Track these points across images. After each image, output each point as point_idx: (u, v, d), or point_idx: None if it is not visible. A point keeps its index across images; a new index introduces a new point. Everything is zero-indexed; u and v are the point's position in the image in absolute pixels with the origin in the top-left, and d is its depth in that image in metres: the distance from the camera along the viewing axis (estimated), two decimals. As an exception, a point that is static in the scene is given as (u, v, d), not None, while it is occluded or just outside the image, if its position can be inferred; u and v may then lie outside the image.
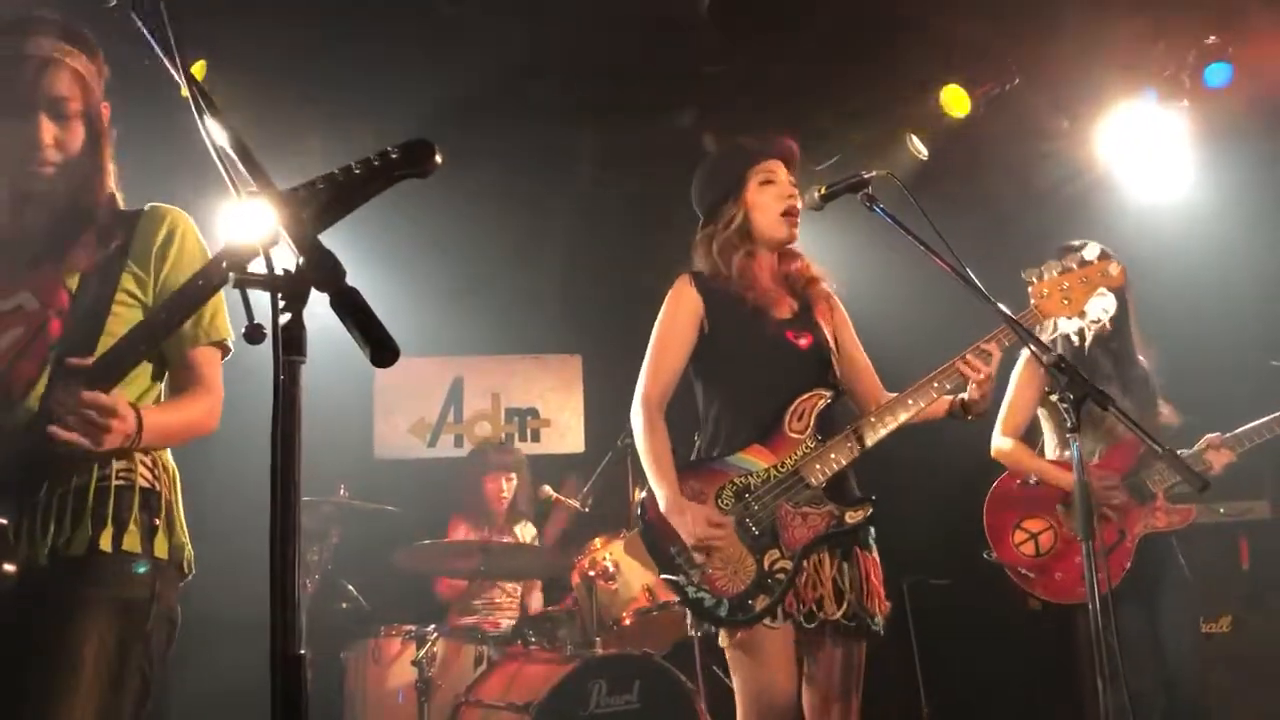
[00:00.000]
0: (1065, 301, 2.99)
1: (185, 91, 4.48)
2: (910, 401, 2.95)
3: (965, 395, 2.98)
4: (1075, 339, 4.06)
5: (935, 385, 2.95)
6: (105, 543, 2.06)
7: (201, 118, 1.44)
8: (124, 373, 2.06)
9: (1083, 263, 3.03)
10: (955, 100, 5.29)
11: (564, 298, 6.58)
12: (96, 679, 1.98)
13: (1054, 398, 2.61)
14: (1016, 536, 4.10)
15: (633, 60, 5.20)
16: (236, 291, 1.34)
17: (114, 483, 2.11)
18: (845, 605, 2.90)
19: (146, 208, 2.29)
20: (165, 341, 2.15)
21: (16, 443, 2.00)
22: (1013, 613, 4.86)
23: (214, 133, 1.44)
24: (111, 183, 2.27)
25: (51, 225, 2.18)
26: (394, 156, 1.50)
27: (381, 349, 1.21)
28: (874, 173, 3.01)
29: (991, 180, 5.80)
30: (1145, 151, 5.37)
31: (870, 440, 2.94)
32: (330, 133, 5.05)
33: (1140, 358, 4.14)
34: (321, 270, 1.26)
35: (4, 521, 1.95)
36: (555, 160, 5.86)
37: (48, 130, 2.15)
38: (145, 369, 2.21)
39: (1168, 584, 3.96)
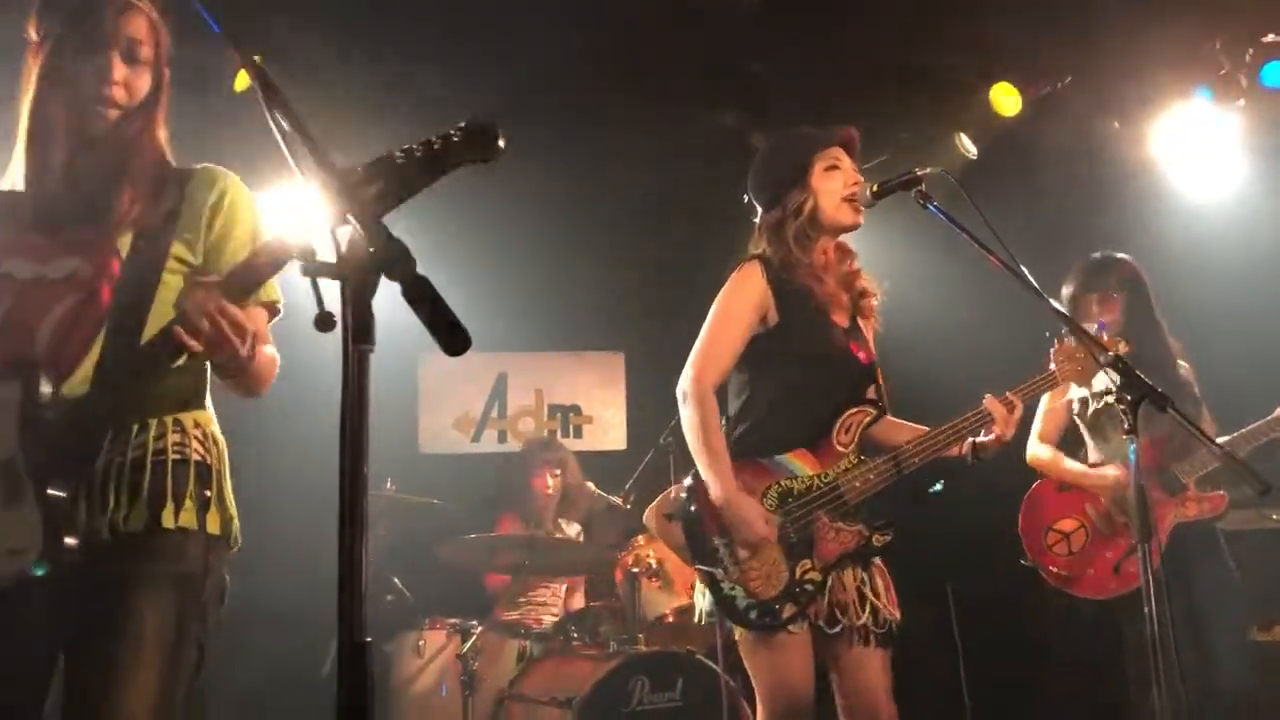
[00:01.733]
0: (1079, 370, 3.11)
1: (238, 84, 4.52)
2: (943, 438, 2.97)
3: (978, 439, 2.99)
4: (1076, 405, 4.16)
5: (966, 426, 2.97)
6: (167, 520, 2.07)
7: (266, 100, 1.44)
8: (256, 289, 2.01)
9: (1096, 337, 3.02)
10: (1005, 99, 5.25)
11: (607, 295, 6.59)
12: (158, 651, 2.01)
13: (1110, 399, 2.57)
14: (1049, 538, 4.15)
15: (678, 57, 5.20)
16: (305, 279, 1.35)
17: (170, 457, 2.11)
18: (869, 610, 2.90)
19: (198, 167, 2.28)
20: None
21: (72, 415, 2.01)
22: (1055, 616, 4.83)
23: (278, 115, 1.45)
24: (164, 139, 2.26)
25: (105, 177, 2.16)
26: (455, 140, 1.46)
27: (454, 338, 1.21)
28: (928, 170, 2.98)
29: (1041, 180, 5.74)
30: (1197, 151, 5.30)
31: (908, 468, 2.95)
32: (379, 131, 5.07)
33: (1181, 363, 4.10)
34: (392, 259, 1.26)
35: (62, 494, 1.96)
36: (599, 158, 5.87)
37: (119, 69, 2.15)
38: None
39: (1210, 581, 3.93)
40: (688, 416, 2.95)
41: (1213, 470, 3.96)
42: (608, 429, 6.91)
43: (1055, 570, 4.11)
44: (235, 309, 1.94)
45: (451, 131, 1.47)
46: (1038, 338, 4.14)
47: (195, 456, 2.15)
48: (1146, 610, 2.50)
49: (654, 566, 4.73)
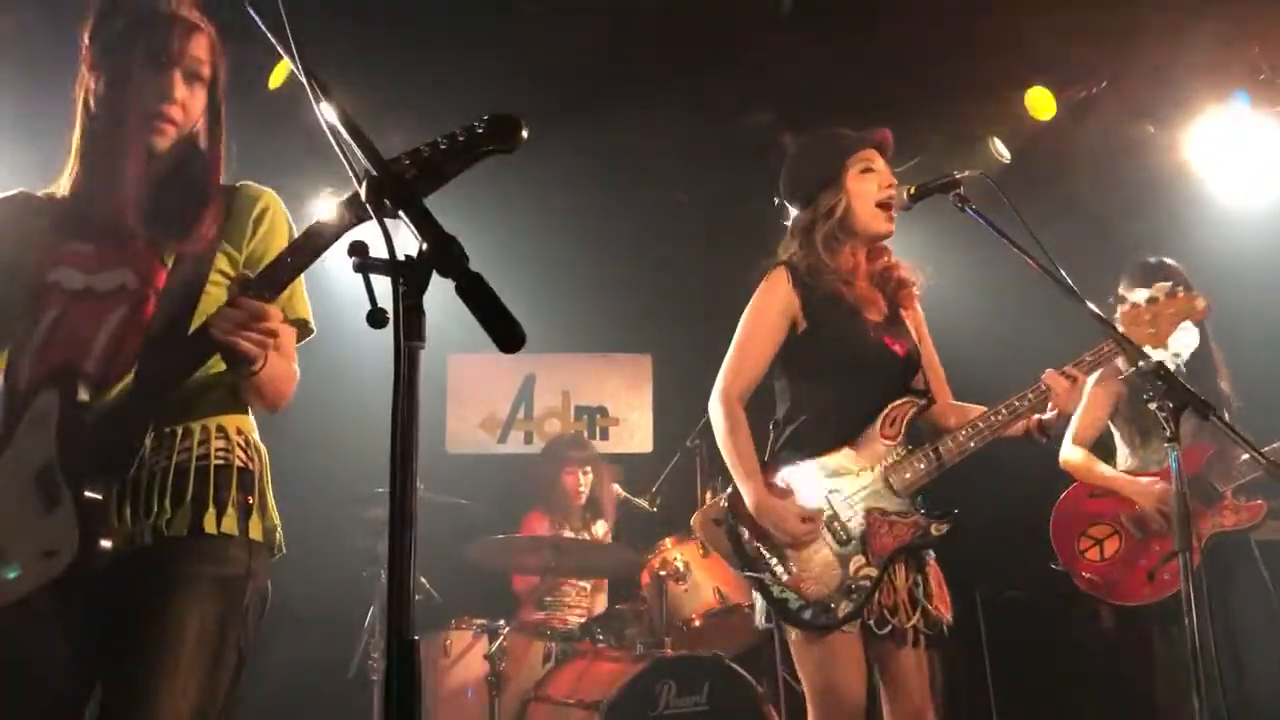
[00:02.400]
0: (1151, 332, 2.93)
1: (273, 81, 4.51)
2: (999, 418, 2.91)
3: (1043, 416, 2.92)
4: (1125, 395, 4.09)
5: (1024, 404, 2.90)
6: (209, 524, 2.07)
7: (317, 101, 1.45)
8: (286, 279, 1.99)
9: (1170, 294, 2.97)
10: (1040, 103, 5.21)
11: (635, 298, 6.59)
12: (200, 655, 2.00)
13: (1153, 405, 2.53)
14: (1082, 544, 4.11)
15: (708, 60, 5.19)
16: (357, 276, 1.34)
17: (213, 462, 2.12)
18: (919, 612, 2.87)
19: (238, 185, 2.29)
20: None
21: (111, 418, 2.02)
22: (1086, 624, 4.79)
23: (328, 116, 1.45)
24: (221, 163, 2.26)
25: (159, 194, 2.17)
26: (479, 131, 1.49)
27: (508, 336, 1.20)
28: (966, 173, 2.97)
29: (1075, 184, 5.70)
30: (1234, 157, 5.25)
31: (960, 454, 2.90)
32: (408, 134, 5.09)
33: (1221, 384, 4.06)
34: (445, 255, 1.26)
35: (98, 496, 1.97)
36: (629, 160, 5.87)
37: (180, 88, 2.15)
38: None
39: (1244, 592, 3.90)
40: (717, 426, 3.00)
41: (1249, 480, 3.91)
42: (634, 431, 6.91)
43: (1088, 576, 4.06)
44: (258, 304, 1.93)
45: (476, 123, 1.51)
46: (1075, 336, 4.13)
47: (238, 462, 2.15)
48: (1187, 621, 2.46)
49: (681, 570, 4.72)
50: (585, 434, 6.78)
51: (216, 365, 2.08)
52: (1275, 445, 3.89)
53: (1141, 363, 2.56)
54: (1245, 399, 4.11)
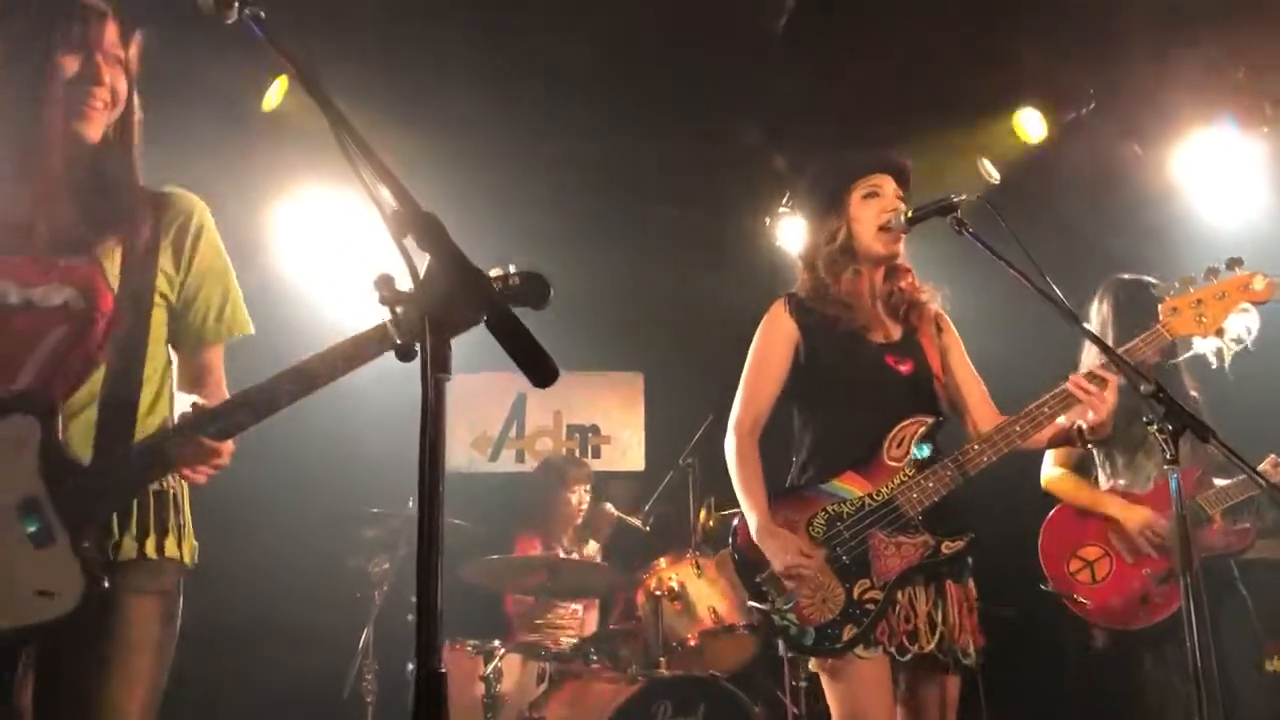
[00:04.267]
0: (1200, 320, 2.86)
1: (266, 104, 4.50)
2: (1018, 428, 2.89)
3: (1082, 421, 2.88)
4: (1213, 359, 3.74)
5: (1045, 411, 2.88)
6: (150, 549, 2.13)
7: (346, 143, 1.45)
8: (249, 424, 2.08)
9: (1218, 275, 2.89)
10: (1030, 125, 5.26)
11: (627, 315, 6.58)
12: (150, 655, 2.11)
13: (1152, 429, 2.54)
14: (1072, 565, 4.03)
15: (700, 77, 5.21)
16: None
17: (154, 491, 2.15)
18: (938, 638, 2.85)
19: (167, 190, 2.27)
20: (189, 346, 2.28)
21: (105, 467, 2.04)
22: (1077, 643, 4.79)
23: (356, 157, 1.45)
24: (139, 157, 2.24)
25: (89, 196, 2.13)
26: (513, 287, 1.77)
27: (542, 372, 1.21)
28: (963, 196, 2.98)
29: (1063, 205, 5.74)
30: (1221, 178, 5.29)
31: (973, 469, 2.88)
32: (402, 150, 5.08)
33: (1191, 391, 4.04)
34: (472, 292, 1.27)
35: (92, 540, 2.03)
36: (620, 176, 5.88)
37: (105, 70, 2.12)
38: (161, 363, 2.22)
39: (1227, 614, 3.89)
40: (729, 459, 3.06)
41: (1238, 502, 3.87)
42: (626, 449, 6.91)
43: (1081, 600, 3.99)
44: (218, 446, 2.05)
45: (509, 275, 1.79)
46: (1064, 353, 4.13)
47: (170, 489, 2.20)
48: (1188, 642, 2.46)
49: (676, 590, 4.73)
50: (577, 452, 6.78)
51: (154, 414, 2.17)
52: (1264, 464, 3.91)
53: (1143, 386, 2.56)
54: (1225, 420, 4.12)
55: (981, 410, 3.13)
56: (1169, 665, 3.85)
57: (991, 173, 5.51)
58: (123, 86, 2.16)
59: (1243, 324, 3.00)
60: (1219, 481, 3.93)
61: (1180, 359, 3.92)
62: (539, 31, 4.85)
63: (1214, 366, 3.86)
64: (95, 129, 2.13)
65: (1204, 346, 3.20)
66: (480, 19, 4.76)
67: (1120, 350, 2.89)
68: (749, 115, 5.58)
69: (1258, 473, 2.55)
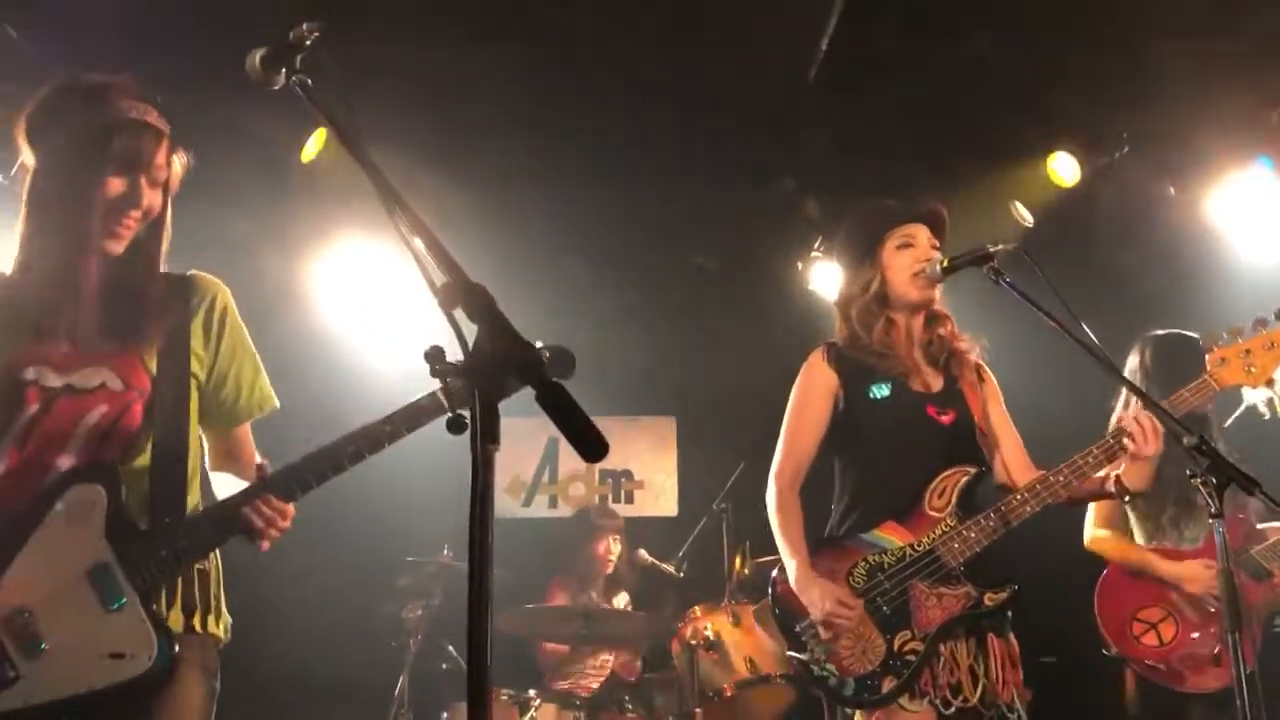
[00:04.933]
0: (1249, 370, 2.83)
1: (305, 155, 4.55)
2: (1062, 478, 2.86)
3: (1119, 473, 2.86)
4: (1264, 410, 3.63)
5: (1090, 460, 2.85)
6: (196, 625, 2.19)
7: (395, 212, 1.47)
8: (315, 485, 2.19)
9: (1267, 325, 2.87)
10: (1063, 168, 5.25)
11: (659, 360, 6.60)
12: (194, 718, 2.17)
13: (1196, 481, 2.50)
14: (1135, 628, 3.86)
15: (733, 125, 5.25)
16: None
17: (198, 569, 2.22)
18: (980, 691, 2.82)
19: (190, 275, 2.35)
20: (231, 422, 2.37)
21: (170, 533, 2.12)
22: (1119, 690, 4.69)
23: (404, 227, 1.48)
24: (163, 258, 2.32)
25: (124, 294, 2.21)
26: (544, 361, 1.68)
27: (589, 446, 1.22)
28: (999, 245, 2.97)
29: (1096, 246, 5.73)
30: (1257, 219, 5.27)
31: (1016, 519, 2.86)
32: (440, 200, 5.14)
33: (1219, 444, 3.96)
34: (523, 364, 1.28)
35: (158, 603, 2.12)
36: (656, 222, 5.92)
37: (147, 193, 2.19)
38: (196, 440, 2.30)
39: None
40: (770, 509, 3.05)
41: None
42: (659, 494, 6.89)
43: (1150, 664, 3.79)
44: (286, 507, 2.16)
45: (541, 349, 1.95)
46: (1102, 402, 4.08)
47: (210, 567, 2.27)
48: (1239, 703, 2.41)
49: (711, 639, 4.69)
50: (610, 497, 6.77)
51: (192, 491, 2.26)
52: None
53: (1186, 439, 2.53)
54: (1266, 467, 4.05)
55: (1018, 462, 3.09)
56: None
57: (1025, 216, 5.50)
58: (158, 203, 2.24)
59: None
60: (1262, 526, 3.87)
61: (1236, 412, 3.85)
62: (577, 85, 4.90)
63: (1266, 418, 3.81)
64: (121, 245, 2.21)
65: (1254, 397, 3.15)
66: (521, 75, 4.81)
67: (1165, 402, 2.87)
68: (783, 163, 5.61)
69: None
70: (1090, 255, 5.68)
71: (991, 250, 2.92)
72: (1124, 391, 3.89)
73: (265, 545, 2.16)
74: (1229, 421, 3.97)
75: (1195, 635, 3.79)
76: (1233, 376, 2.87)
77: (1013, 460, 3.10)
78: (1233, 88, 4.88)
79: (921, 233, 3.11)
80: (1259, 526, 3.88)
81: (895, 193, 5.13)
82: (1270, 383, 2.88)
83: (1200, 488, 2.50)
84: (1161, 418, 2.70)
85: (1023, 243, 5.29)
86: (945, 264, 3.02)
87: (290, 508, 2.16)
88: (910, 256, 3.07)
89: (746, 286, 6.22)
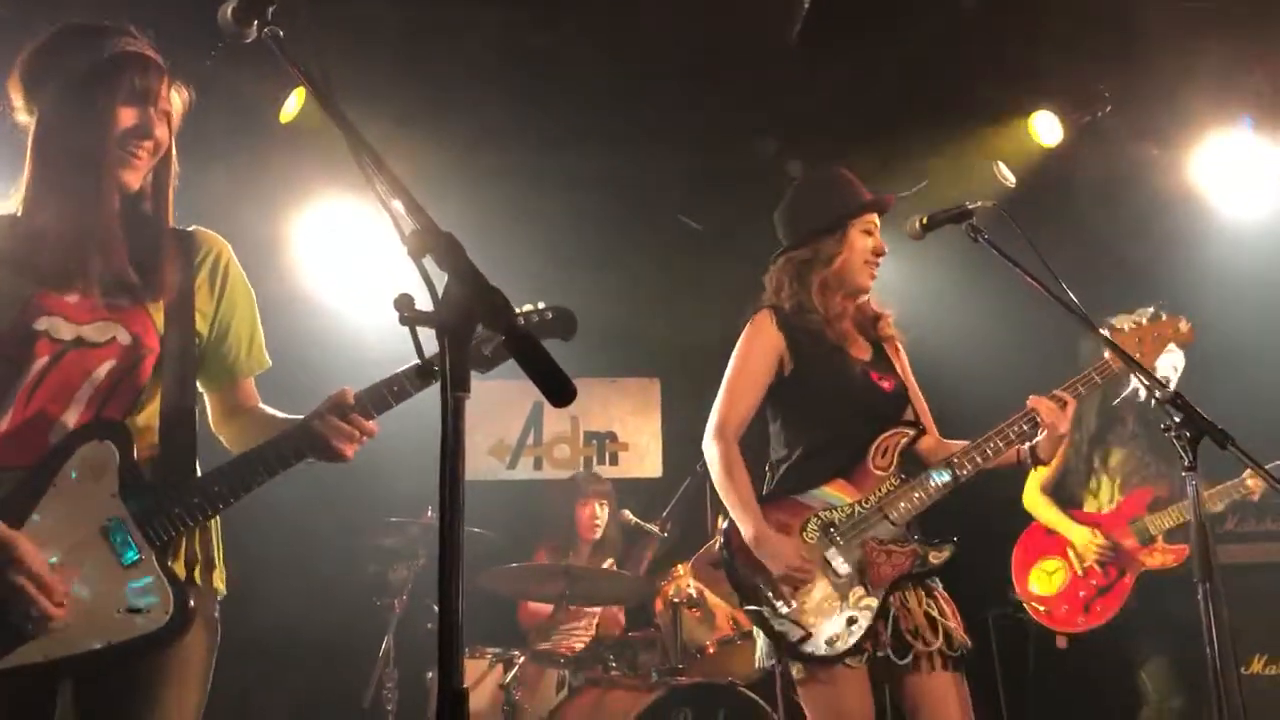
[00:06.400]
0: (1138, 355, 2.96)
1: (284, 115, 4.54)
2: (989, 449, 2.96)
3: (1033, 443, 2.98)
4: (1143, 394, 4.29)
5: (1010, 434, 2.96)
6: (197, 577, 2.19)
7: (364, 161, 1.47)
8: (386, 408, 2.22)
9: (1154, 318, 3.05)
10: (1045, 128, 5.24)
11: (643, 322, 6.60)
12: (200, 672, 2.18)
13: (1170, 435, 2.55)
14: (1034, 575, 4.59)
15: (716, 86, 5.23)
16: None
17: (204, 523, 2.21)
18: (941, 634, 2.89)
19: (192, 230, 2.34)
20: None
21: (180, 490, 2.12)
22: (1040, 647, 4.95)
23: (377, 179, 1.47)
24: (172, 205, 2.31)
25: (138, 238, 2.20)
26: (543, 320, 1.92)
27: (559, 391, 1.22)
28: (979, 203, 3.00)
29: (1078, 206, 5.73)
30: (1238, 179, 5.28)
31: (963, 478, 2.97)
32: (422, 160, 5.11)
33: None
34: (491, 310, 1.28)
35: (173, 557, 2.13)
36: (637, 187, 5.90)
37: (158, 125, 2.19)
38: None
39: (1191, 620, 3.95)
40: (711, 463, 3.05)
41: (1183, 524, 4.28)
42: (643, 456, 6.91)
43: (1034, 606, 4.54)
44: (369, 425, 2.19)
45: (539, 310, 2.25)
46: (1069, 354, 4.19)
47: (212, 519, 2.27)
48: (1208, 650, 2.46)
49: (695, 596, 4.72)
50: (594, 459, 6.79)
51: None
52: (1277, 463, 3.91)
53: (1159, 392, 2.57)
54: (1248, 416, 4.12)
55: (930, 426, 3.24)
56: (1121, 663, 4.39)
57: (1007, 176, 5.50)
58: (166, 138, 2.23)
59: (1170, 363, 3.15)
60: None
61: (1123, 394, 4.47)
62: (558, 47, 4.87)
63: (1143, 400, 4.22)
64: (137, 178, 2.20)
65: (1135, 381, 3.40)
66: (501, 36, 4.78)
67: (1071, 381, 3.01)
68: (765, 123, 5.59)
69: (1268, 471, 2.56)
70: (1072, 215, 5.68)
71: (970, 207, 2.97)
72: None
73: (349, 455, 2.18)
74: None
75: (1075, 584, 4.48)
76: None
77: (928, 424, 3.23)
78: (1216, 47, 4.88)
79: (875, 225, 3.20)
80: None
81: (879, 153, 5.16)
82: (1155, 369, 3.08)
83: (1174, 441, 2.55)
84: (1138, 372, 2.76)
85: (1003, 203, 5.35)
86: (924, 220, 3.06)
87: (372, 425, 2.19)
88: (870, 244, 3.16)
89: (730, 248, 6.21)
